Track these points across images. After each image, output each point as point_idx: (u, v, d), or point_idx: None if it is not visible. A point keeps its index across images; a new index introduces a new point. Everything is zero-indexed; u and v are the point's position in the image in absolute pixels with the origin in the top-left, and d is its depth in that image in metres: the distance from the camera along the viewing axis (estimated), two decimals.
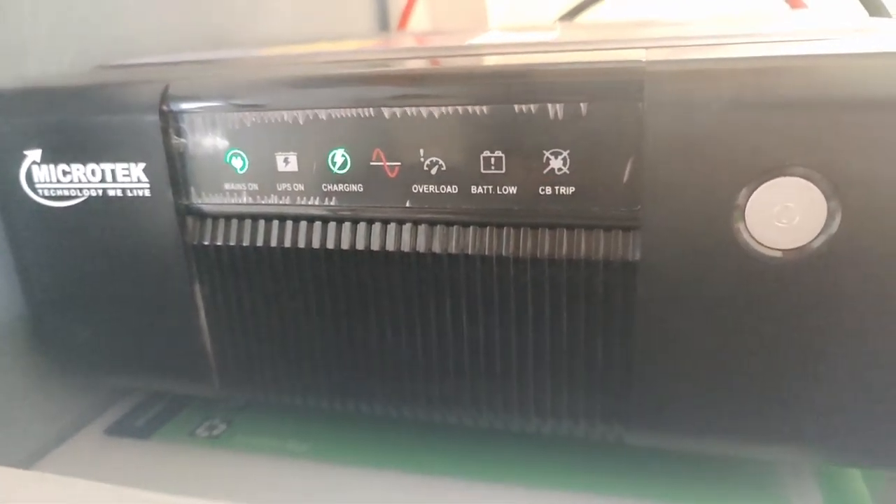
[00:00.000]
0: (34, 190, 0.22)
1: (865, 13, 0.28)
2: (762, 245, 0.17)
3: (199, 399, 0.29)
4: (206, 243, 0.21)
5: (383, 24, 0.54)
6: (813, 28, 0.22)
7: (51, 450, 0.26)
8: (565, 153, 0.18)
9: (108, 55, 0.29)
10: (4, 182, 0.23)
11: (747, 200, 0.17)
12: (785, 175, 0.16)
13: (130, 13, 0.31)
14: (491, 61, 0.19)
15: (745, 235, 0.17)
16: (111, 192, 0.21)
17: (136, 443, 0.26)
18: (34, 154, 0.22)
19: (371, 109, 0.19)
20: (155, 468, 0.25)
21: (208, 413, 0.28)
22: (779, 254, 0.17)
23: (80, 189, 0.22)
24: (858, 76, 0.16)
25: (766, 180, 0.16)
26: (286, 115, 0.19)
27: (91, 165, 0.21)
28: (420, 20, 0.67)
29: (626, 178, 0.17)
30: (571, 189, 0.18)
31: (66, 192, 0.22)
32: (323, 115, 0.19)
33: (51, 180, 0.22)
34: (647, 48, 0.18)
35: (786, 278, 0.17)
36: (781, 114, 0.16)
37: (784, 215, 0.16)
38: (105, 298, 0.23)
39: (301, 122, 0.19)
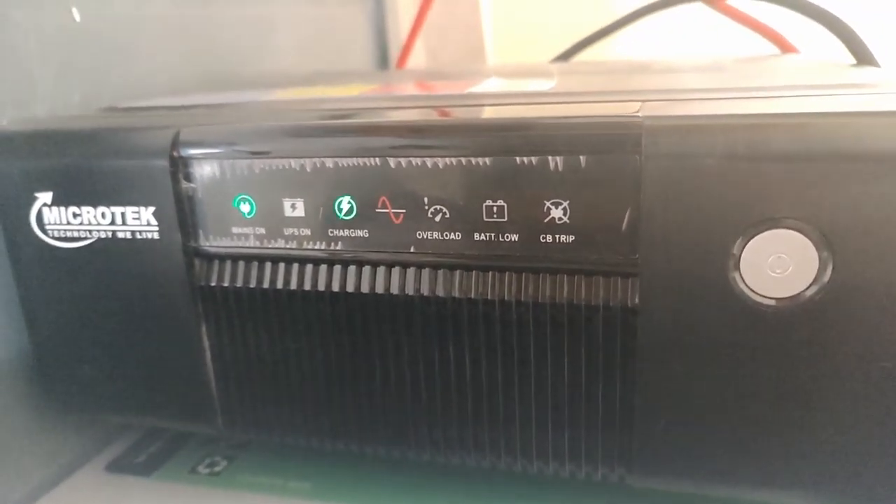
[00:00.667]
0: (44, 231, 0.23)
1: (854, 60, 0.29)
2: (757, 294, 0.17)
3: (200, 435, 0.29)
4: (213, 285, 0.22)
5: (382, 60, 0.55)
6: (803, 82, 0.23)
7: (51, 487, 0.26)
8: (565, 203, 0.18)
9: (116, 95, 0.30)
10: (14, 222, 0.23)
11: (742, 250, 0.17)
12: (778, 227, 0.17)
13: (138, 53, 0.31)
14: (492, 113, 0.19)
15: (741, 284, 0.17)
16: (120, 235, 0.22)
17: (137, 480, 0.26)
18: (45, 196, 0.22)
19: (377, 159, 0.19)
20: None
21: (210, 450, 0.28)
22: (773, 302, 0.17)
23: (90, 231, 0.22)
24: (847, 133, 0.16)
25: (760, 231, 0.17)
26: (294, 163, 0.20)
27: (101, 208, 0.22)
28: (417, 54, 0.68)
29: (624, 227, 0.18)
30: (571, 237, 0.18)
31: (75, 234, 0.22)
32: (330, 163, 0.20)
33: (61, 222, 0.22)
34: (642, 101, 0.19)
35: (780, 326, 0.17)
36: (773, 168, 0.17)
37: (778, 265, 0.17)
38: (111, 337, 0.23)
39: (308, 170, 0.20)
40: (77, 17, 0.28)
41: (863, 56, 0.28)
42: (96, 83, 0.29)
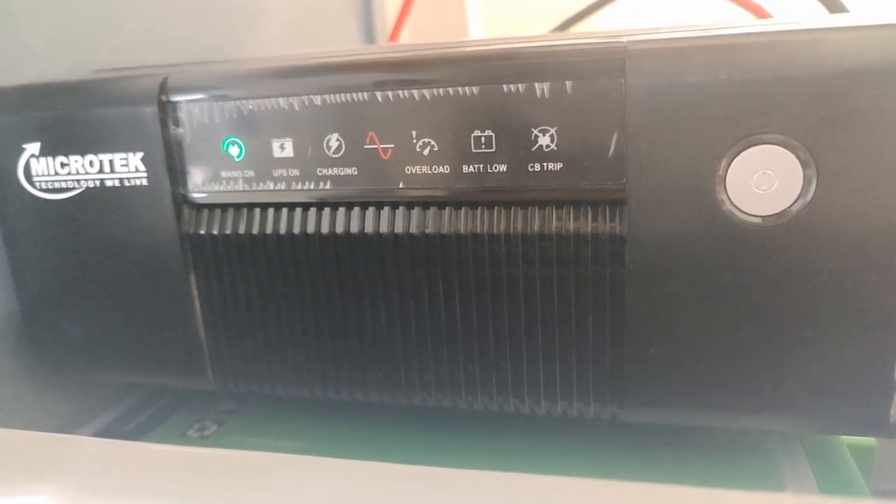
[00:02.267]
0: (31, 183, 0.23)
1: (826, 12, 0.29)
2: (743, 212, 0.17)
3: (189, 402, 0.28)
4: (202, 232, 0.22)
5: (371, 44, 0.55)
6: (782, 19, 0.23)
7: None
8: (552, 130, 0.18)
9: (106, 64, 0.30)
10: (2, 177, 0.23)
11: (727, 169, 0.17)
12: (762, 143, 0.17)
13: (128, 26, 0.32)
14: (479, 48, 0.19)
15: (727, 203, 0.17)
16: (109, 183, 0.22)
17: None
18: (33, 147, 0.22)
19: (364, 94, 0.19)
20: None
21: (200, 415, 0.28)
22: (759, 220, 0.17)
23: (78, 180, 0.22)
24: (827, 49, 0.17)
25: (745, 149, 0.17)
26: (282, 102, 0.20)
27: (89, 157, 0.22)
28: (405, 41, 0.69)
29: (611, 152, 0.18)
30: (559, 165, 0.19)
31: (63, 185, 0.22)
32: (318, 100, 0.20)
33: (49, 173, 0.22)
34: (628, 37, 0.19)
35: (767, 243, 0.17)
36: (754, 86, 0.17)
37: (763, 182, 0.17)
38: (99, 292, 0.23)
39: (297, 109, 0.20)
40: None
41: (834, 6, 0.29)
42: (86, 51, 0.29)
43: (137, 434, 0.27)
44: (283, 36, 0.44)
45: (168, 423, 0.28)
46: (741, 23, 0.24)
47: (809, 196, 0.17)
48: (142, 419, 0.28)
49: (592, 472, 0.22)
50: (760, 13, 0.36)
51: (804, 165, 0.17)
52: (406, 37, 0.66)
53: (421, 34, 0.70)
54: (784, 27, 0.18)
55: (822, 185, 0.17)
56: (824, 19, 0.21)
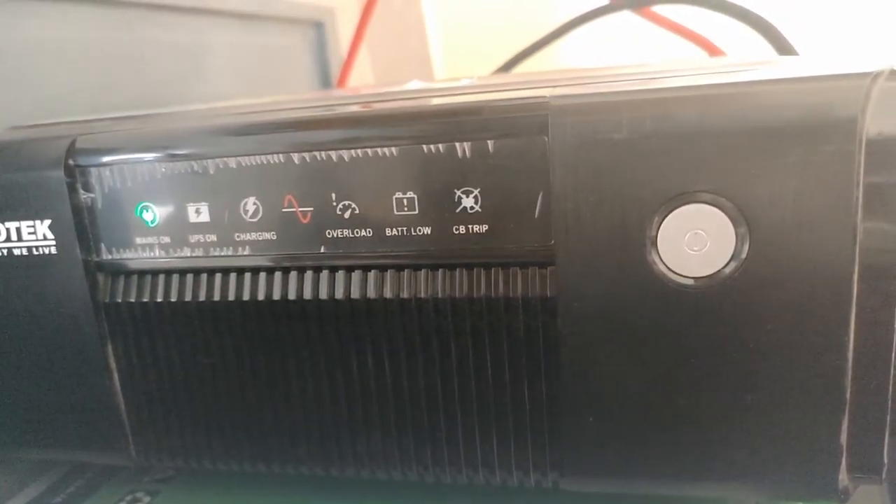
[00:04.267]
0: None
1: (775, 53, 0.29)
2: (676, 273, 0.17)
3: (121, 473, 0.27)
4: (118, 300, 0.21)
5: (325, 85, 0.54)
6: (715, 63, 0.22)
7: None
8: (476, 191, 0.18)
9: (29, 118, 0.28)
10: None
11: (658, 229, 0.17)
12: (692, 202, 0.16)
13: (54, 76, 0.30)
14: (398, 105, 0.19)
15: (659, 264, 0.17)
16: (17, 251, 0.21)
17: None
18: None
19: (280, 156, 0.18)
20: None
21: (132, 487, 0.26)
22: (692, 281, 0.17)
23: None
24: (753, 103, 0.16)
25: (675, 208, 0.16)
26: (196, 165, 0.19)
27: None
28: (367, 78, 0.68)
29: (537, 213, 0.17)
30: (485, 227, 0.18)
31: None
32: (233, 163, 0.19)
33: None
34: (553, 87, 0.19)
35: (701, 306, 0.17)
36: (682, 142, 0.16)
37: (695, 242, 0.16)
38: (11, 365, 0.22)
39: (212, 172, 0.19)
40: None
41: (783, 48, 0.28)
42: (7, 106, 0.28)
43: None
44: (230, 75, 0.44)
45: (98, 493, 0.26)
46: (670, 68, 0.23)
47: (743, 255, 0.16)
48: (71, 490, 0.26)
49: None
50: (710, 48, 0.36)
51: (735, 224, 0.16)
52: (367, 70, 0.65)
53: (384, 65, 0.69)
54: (711, 79, 0.17)
55: (754, 243, 0.16)
56: (764, 66, 0.20)
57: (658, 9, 0.36)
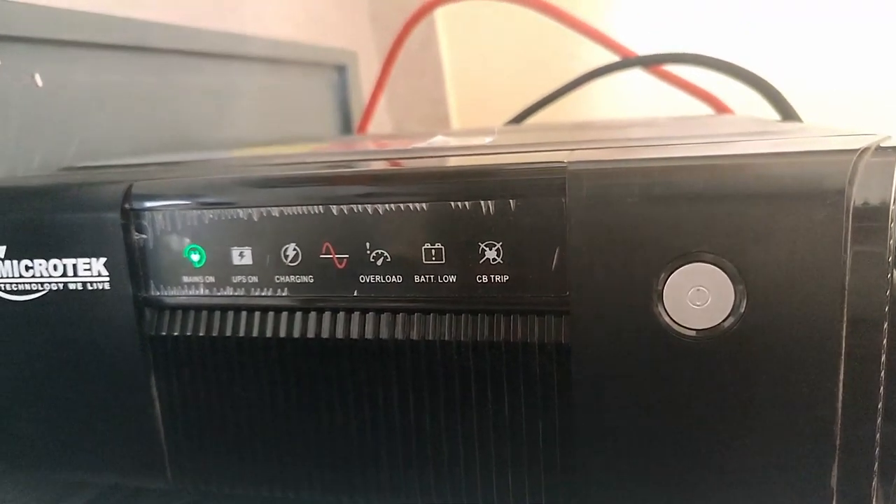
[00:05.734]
0: None
1: (779, 117, 0.31)
2: (679, 325, 0.18)
3: (144, 497, 0.28)
4: (163, 334, 0.22)
5: (346, 129, 0.57)
6: (721, 132, 0.24)
7: None
8: (498, 245, 0.19)
9: (75, 158, 0.30)
10: None
11: (664, 285, 0.18)
12: (695, 261, 0.18)
13: (98, 119, 0.32)
14: (430, 164, 0.20)
15: (664, 317, 0.18)
16: (72, 286, 0.22)
17: None
18: None
19: (320, 207, 0.20)
20: None
21: None
22: (694, 333, 0.18)
23: (42, 283, 0.23)
24: (753, 173, 0.18)
25: (680, 266, 0.18)
26: (241, 213, 0.21)
27: (53, 261, 0.22)
28: (385, 127, 0.70)
29: (554, 266, 0.19)
30: (506, 277, 0.19)
31: (27, 287, 0.23)
32: (276, 212, 0.21)
33: (13, 275, 0.23)
34: (570, 150, 0.21)
35: (702, 356, 0.18)
36: (687, 206, 0.18)
37: (698, 298, 0.18)
38: (60, 390, 0.23)
39: (256, 219, 0.21)
40: (39, 83, 0.29)
41: (787, 112, 0.30)
42: (56, 147, 0.30)
43: None
44: (257, 119, 0.46)
45: None
46: (687, 132, 0.25)
47: (741, 311, 0.18)
48: None
49: None
50: (718, 105, 0.38)
51: (735, 282, 0.18)
52: (383, 110, 0.67)
53: (400, 105, 0.71)
54: (715, 150, 0.19)
55: (752, 300, 0.18)
56: (764, 135, 0.22)
57: (669, 67, 0.38)
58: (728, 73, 0.33)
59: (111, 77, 0.34)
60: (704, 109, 0.40)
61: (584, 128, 0.31)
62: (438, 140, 0.27)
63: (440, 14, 0.70)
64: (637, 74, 0.41)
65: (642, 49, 0.40)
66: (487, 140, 0.26)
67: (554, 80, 0.44)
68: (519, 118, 0.43)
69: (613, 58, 0.40)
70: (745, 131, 0.24)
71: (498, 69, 0.72)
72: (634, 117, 0.38)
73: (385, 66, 0.46)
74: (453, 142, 0.25)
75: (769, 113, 0.34)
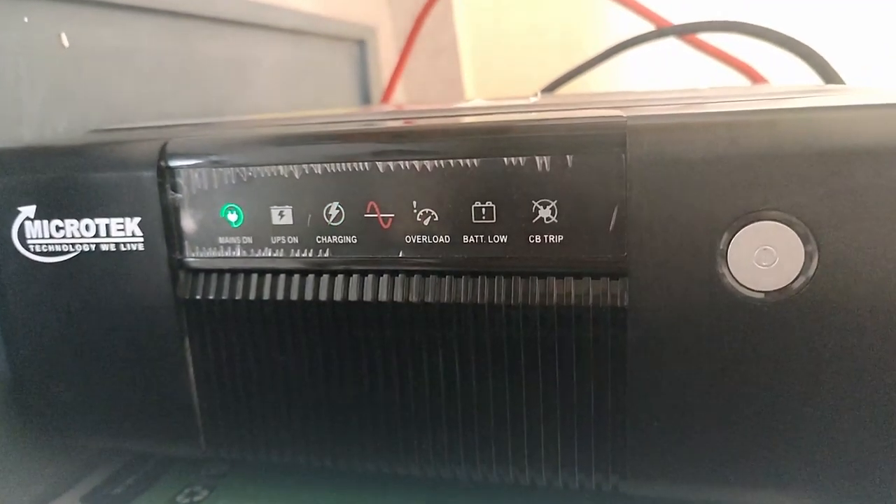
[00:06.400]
0: (25, 246, 0.22)
1: (822, 81, 0.30)
2: (745, 287, 0.17)
3: (178, 466, 0.28)
4: (197, 297, 0.22)
5: (365, 102, 0.56)
6: (779, 89, 0.23)
7: None
8: (553, 203, 0.18)
9: (102, 122, 0.30)
10: None
11: (728, 245, 0.17)
12: (762, 219, 0.17)
13: (124, 83, 0.32)
14: (479, 119, 0.20)
15: (729, 278, 0.17)
16: (104, 247, 0.22)
17: None
18: (28, 210, 0.22)
19: (365, 164, 0.19)
20: None
21: (190, 480, 0.27)
22: (761, 295, 0.17)
23: (73, 244, 0.22)
24: (823, 128, 0.17)
25: (745, 224, 0.17)
26: (282, 170, 0.20)
27: (85, 220, 0.22)
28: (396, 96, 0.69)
29: (612, 226, 0.18)
30: (560, 237, 0.19)
31: (58, 248, 0.22)
32: (318, 169, 0.20)
33: (43, 236, 0.22)
34: (624, 107, 0.20)
35: (770, 319, 0.17)
36: (753, 162, 0.17)
37: (764, 258, 0.17)
38: (91, 355, 0.23)
39: (297, 177, 0.20)
40: (66, 43, 0.28)
41: (829, 77, 0.29)
42: (82, 110, 0.29)
43: (126, 499, 0.26)
44: (278, 89, 0.45)
45: (157, 487, 0.27)
46: (738, 93, 0.24)
47: (811, 272, 0.17)
48: (130, 482, 0.27)
49: None
50: (754, 75, 0.37)
51: (804, 241, 0.17)
52: (400, 87, 0.66)
53: (415, 84, 0.70)
54: (781, 104, 0.18)
55: (823, 261, 0.17)
56: (820, 93, 0.21)
57: (703, 36, 0.37)
58: (771, 40, 0.32)
59: (136, 42, 0.33)
60: (740, 81, 0.39)
61: (627, 94, 0.30)
62: (480, 102, 0.26)
63: None
64: (664, 45, 0.40)
65: (672, 18, 0.39)
66: (533, 100, 0.25)
67: (568, 56, 0.42)
68: (549, 89, 0.42)
69: (643, 28, 0.39)
70: (801, 90, 0.23)
71: (515, 45, 0.70)
72: (671, 87, 0.37)
73: (408, 43, 0.45)
74: (496, 102, 0.24)
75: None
